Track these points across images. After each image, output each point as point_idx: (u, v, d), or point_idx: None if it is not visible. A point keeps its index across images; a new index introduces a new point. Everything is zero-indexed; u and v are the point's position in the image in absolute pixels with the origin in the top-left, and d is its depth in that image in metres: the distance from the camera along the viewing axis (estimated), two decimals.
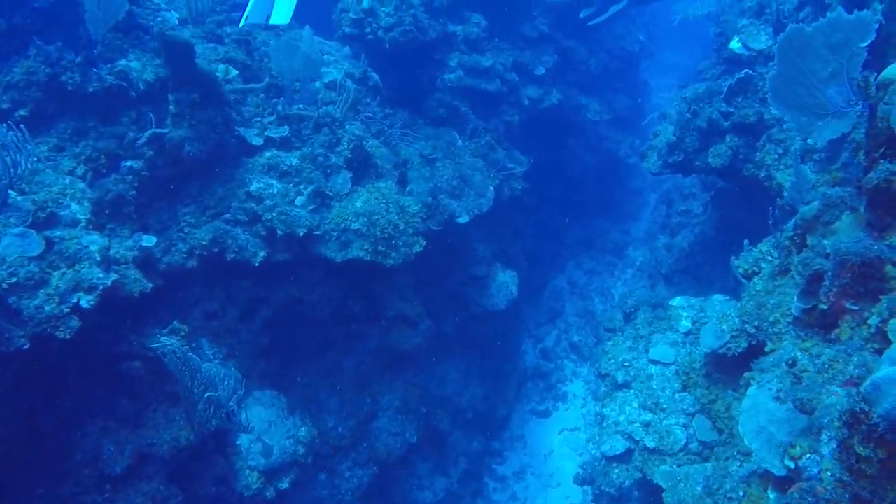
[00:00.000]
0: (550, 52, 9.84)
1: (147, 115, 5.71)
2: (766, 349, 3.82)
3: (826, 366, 2.97)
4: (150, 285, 5.21)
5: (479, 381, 8.93)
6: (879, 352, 2.85)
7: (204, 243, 5.76)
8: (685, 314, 7.16)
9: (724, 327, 4.80)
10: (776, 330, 3.80)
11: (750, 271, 4.97)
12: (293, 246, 6.09)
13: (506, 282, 8.71)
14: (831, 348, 3.07)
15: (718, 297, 7.12)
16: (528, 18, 9.72)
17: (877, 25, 3.68)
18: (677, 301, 7.40)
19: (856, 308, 3.16)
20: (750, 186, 6.81)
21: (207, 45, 6.82)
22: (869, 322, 2.99)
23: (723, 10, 8.29)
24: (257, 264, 5.93)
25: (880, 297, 3.06)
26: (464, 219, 7.55)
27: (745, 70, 6.88)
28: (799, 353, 3.36)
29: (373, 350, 7.38)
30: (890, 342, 2.79)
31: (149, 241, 5.29)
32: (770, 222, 4.47)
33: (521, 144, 9.47)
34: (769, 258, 4.72)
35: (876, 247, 3.12)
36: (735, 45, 7.41)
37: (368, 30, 8.18)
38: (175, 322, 5.58)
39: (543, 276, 11.02)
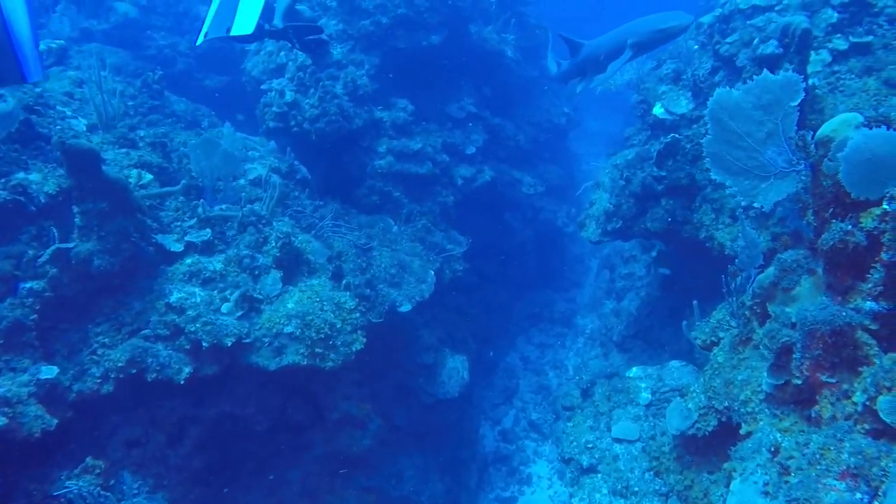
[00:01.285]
0: (479, 131, 9.84)
1: (50, 231, 5.24)
2: (742, 431, 3.53)
3: (817, 455, 2.68)
4: (55, 421, 4.60)
5: (438, 475, 8.36)
6: (873, 433, 2.58)
7: (120, 365, 5.22)
8: (644, 385, 6.93)
9: (689, 405, 4.52)
10: (749, 409, 3.52)
11: (708, 342, 4.74)
12: (222, 357, 5.59)
13: (456, 367, 8.32)
14: (819, 434, 2.79)
15: (675, 363, 6.92)
16: (454, 99, 9.74)
17: (804, 84, 3.63)
18: (634, 371, 7.17)
19: (833, 381, 2.92)
20: (690, 246, 6.75)
21: (119, 150, 6.44)
22: (854, 399, 2.74)
23: (642, 79, 8.49)
24: (183, 381, 5.40)
25: (857, 367, 2.83)
26: (406, 307, 7.19)
27: (672, 134, 6.93)
28: (779, 436, 3.07)
29: (320, 458, 6.80)
30: (882, 422, 2.53)
31: (49, 372, 4.70)
32: (724, 290, 4.29)
33: (458, 224, 9.28)
34: (727, 327, 4.51)
35: (843, 313, 2.91)
36: (658, 110, 7.51)
37: (293, 122, 7.98)
38: (88, 458, 4.94)
39: (494, 355, 10.66)
